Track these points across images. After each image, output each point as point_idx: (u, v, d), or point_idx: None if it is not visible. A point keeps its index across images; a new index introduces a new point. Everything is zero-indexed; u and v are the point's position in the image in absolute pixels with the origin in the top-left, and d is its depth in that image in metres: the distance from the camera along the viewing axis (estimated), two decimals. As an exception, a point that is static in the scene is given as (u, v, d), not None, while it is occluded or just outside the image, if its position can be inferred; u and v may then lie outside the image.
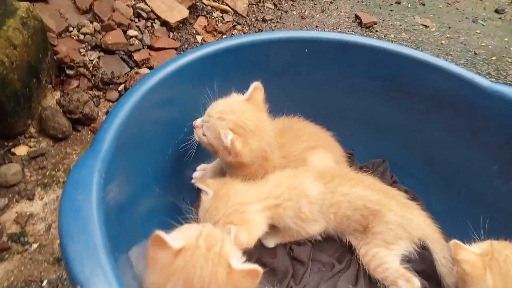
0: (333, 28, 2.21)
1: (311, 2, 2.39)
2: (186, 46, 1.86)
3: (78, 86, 1.50)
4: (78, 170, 0.66)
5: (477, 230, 0.85)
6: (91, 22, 1.71)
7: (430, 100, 1.13)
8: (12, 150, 1.27)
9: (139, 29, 1.80)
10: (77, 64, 1.53)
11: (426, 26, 2.38)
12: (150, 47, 1.76)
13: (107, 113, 1.48)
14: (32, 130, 1.34)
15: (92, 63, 1.59)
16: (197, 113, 0.94)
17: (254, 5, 2.23)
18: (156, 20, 1.87)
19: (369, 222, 0.92)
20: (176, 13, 1.92)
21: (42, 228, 1.12)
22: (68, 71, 1.51)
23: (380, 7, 2.47)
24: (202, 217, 0.84)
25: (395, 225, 0.91)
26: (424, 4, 2.58)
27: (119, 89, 1.57)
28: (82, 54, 1.59)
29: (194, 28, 1.96)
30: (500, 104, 1.01)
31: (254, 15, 2.17)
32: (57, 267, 1.05)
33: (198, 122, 0.92)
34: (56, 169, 1.27)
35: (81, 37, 1.64)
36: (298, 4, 2.35)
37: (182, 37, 1.89)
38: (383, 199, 0.92)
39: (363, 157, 1.27)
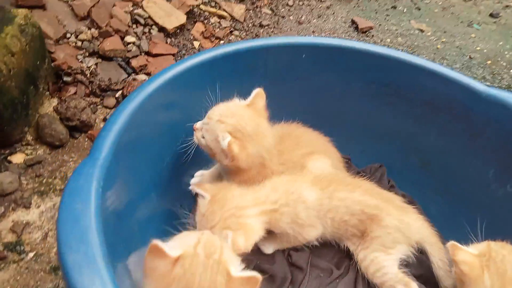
0: (329, 33, 2.22)
1: (308, 7, 2.40)
2: (183, 52, 1.87)
3: (75, 93, 1.50)
4: (76, 178, 0.66)
5: (474, 234, 0.86)
6: (89, 28, 1.72)
7: (426, 104, 1.14)
8: (9, 158, 1.27)
9: (137, 35, 1.80)
10: (75, 71, 1.53)
11: (421, 31, 2.40)
12: (148, 53, 1.76)
13: (104, 120, 1.48)
14: (29, 137, 1.33)
15: (89, 69, 1.59)
16: (195, 120, 0.95)
17: (251, 11, 2.24)
18: (153, 26, 1.88)
19: (367, 227, 0.93)
20: (174, 19, 1.93)
21: (38, 236, 1.12)
22: (65, 78, 1.51)
23: (376, 12, 2.49)
24: (199, 222, 0.84)
25: (393, 229, 0.91)
26: (419, 9, 2.60)
27: (117, 95, 1.57)
28: (79, 60, 1.59)
29: (192, 34, 1.96)
30: (496, 108, 1.02)
31: (251, 21, 2.18)
32: (54, 276, 1.04)
33: (198, 124, 0.92)
34: (53, 177, 1.26)
35: (79, 43, 1.65)
36: (294, 9, 2.36)
37: (180, 43, 1.90)
38: (380, 204, 0.92)
39: (361, 162, 1.28)
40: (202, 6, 2.10)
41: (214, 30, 2.04)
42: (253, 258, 0.94)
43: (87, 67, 1.60)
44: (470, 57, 2.23)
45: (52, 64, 1.50)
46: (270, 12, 2.28)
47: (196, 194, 0.87)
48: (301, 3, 2.42)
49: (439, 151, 1.16)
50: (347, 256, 0.99)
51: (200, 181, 1.07)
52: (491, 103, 1.02)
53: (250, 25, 2.15)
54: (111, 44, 1.68)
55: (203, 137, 0.90)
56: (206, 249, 0.68)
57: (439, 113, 1.12)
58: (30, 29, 1.35)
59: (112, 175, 0.72)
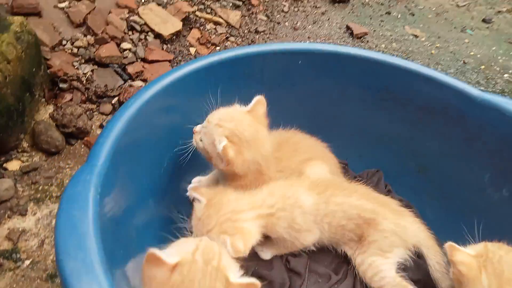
0: (325, 39, 2.24)
1: (303, 13, 2.42)
2: (179, 58, 1.87)
3: (71, 100, 1.50)
4: (74, 185, 0.66)
5: (471, 238, 0.86)
6: (85, 35, 1.72)
7: (422, 109, 1.15)
8: (4, 165, 1.26)
9: (133, 42, 1.80)
10: (71, 78, 1.53)
11: (416, 36, 2.42)
12: (144, 60, 1.77)
13: (100, 126, 1.48)
14: (25, 144, 1.33)
15: (85, 76, 1.59)
16: (192, 126, 0.95)
17: (246, 17, 2.25)
18: (149, 33, 1.89)
19: (364, 231, 0.93)
20: (170, 25, 1.93)
21: (34, 244, 1.11)
22: (61, 85, 1.50)
23: (370, 18, 2.52)
24: (195, 226, 0.84)
25: (390, 233, 0.92)
26: (413, 15, 2.63)
27: (113, 102, 1.57)
28: (75, 67, 1.59)
29: (188, 40, 1.97)
30: (490, 113, 1.03)
31: (247, 27, 2.19)
32: (50, 284, 1.04)
33: (198, 127, 0.93)
34: (49, 184, 1.26)
35: (75, 50, 1.65)
36: (290, 15, 2.38)
37: (176, 49, 1.91)
38: (377, 208, 0.93)
39: (358, 167, 1.28)
40: (198, 13, 2.11)
41: (210, 37, 2.04)
42: (251, 264, 0.94)
43: (83, 73, 1.59)
44: (464, 62, 2.25)
45: (48, 71, 1.50)
46: (265, 18, 2.30)
47: (194, 200, 0.87)
48: (296, 9, 2.44)
49: (435, 156, 1.16)
50: (345, 261, 0.99)
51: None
52: (485, 108, 1.04)
53: (246, 31, 2.17)
54: (107, 50, 1.68)
55: (201, 140, 0.91)
56: (204, 256, 0.68)
57: (435, 117, 1.13)
58: (26, 36, 1.35)
59: (110, 182, 0.71)
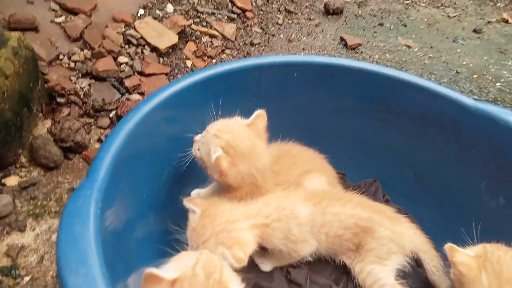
0: (319, 51, 2.27)
1: (297, 25, 2.46)
2: (176, 71, 1.89)
3: (69, 114, 1.50)
4: (75, 200, 0.66)
5: (470, 244, 0.87)
6: (82, 49, 1.73)
7: (417, 119, 1.17)
8: (3, 180, 1.26)
9: (130, 56, 1.82)
10: (68, 92, 1.54)
11: (409, 47, 2.46)
12: (141, 73, 1.78)
13: (98, 140, 1.48)
14: (23, 159, 1.33)
15: (83, 90, 1.60)
16: (190, 140, 0.96)
17: (242, 30, 2.28)
18: (146, 46, 1.90)
19: (361, 240, 0.93)
20: (166, 39, 1.95)
21: (34, 260, 1.10)
22: (59, 99, 1.51)
23: (364, 29, 2.56)
24: (189, 237, 0.84)
25: (387, 240, 0.92)
26: (406, 25, 2.68)
27: (111, 115, 1.57)
28: (73, 81, 1.60)
29: (184, 53, 1.99)
30: (484, 122, 1.05)
31: (242, 39, 2.22)
32: (50, 300, 1.03)
33: (197, 137, 0.94)
34: (48, 199, 1.25)
35: (72, 64, 1.66)
36: (284, 27, 2.41)
37: (172, 62, 1.92)
38: (373, 216, 0.94)
39: (355, 177, 1.29)
40: (193, 26, 2.13)
41: (206, 49, 2.07)
42: (252, 276, 0.94)
43: (80, 88, 1.60)
44: (457, 72, 2.29)
45: (45, 86, 1.51)
46: (260, 30, 2.33)
47: (189, 211, 0.87)
48: (290, 21, 2.48)
49: (431, 165, 1.18)
50: (345, 271, 0.99)
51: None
52: (479, 117, 1.05)
53: (241, 43, 2.19)
54: (104, 64, 1.69)
55: (199, 149, 0.92)
56: (205, 269, 0.68)
57: (430, 127, 1.15)
58: (23, 51, 1.36)
59: (110, 196, 0.72)
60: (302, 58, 1.24)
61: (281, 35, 2.35)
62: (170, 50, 1.95)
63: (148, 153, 0.95)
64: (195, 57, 2.02)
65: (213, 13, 2.27)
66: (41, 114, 1.46)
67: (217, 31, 2.18)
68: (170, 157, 1.02)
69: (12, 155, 1.29)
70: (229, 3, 2.36)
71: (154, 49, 1.91)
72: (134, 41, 1.87)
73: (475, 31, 2.73)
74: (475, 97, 2.10)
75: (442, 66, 2.32)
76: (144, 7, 2.10)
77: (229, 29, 2.22)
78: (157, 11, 2.10)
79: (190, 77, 1.06)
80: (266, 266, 0.97)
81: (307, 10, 2.61)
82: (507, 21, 2.89)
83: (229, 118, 0.94)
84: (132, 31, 1.90)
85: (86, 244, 0.59)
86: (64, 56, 1.67)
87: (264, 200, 0.90)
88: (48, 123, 1.45)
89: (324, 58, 1.27)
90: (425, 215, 1.17)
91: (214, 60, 2.04)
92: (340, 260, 0.98)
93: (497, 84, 2.24)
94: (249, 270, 0.92)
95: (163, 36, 1.95)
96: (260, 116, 0.94)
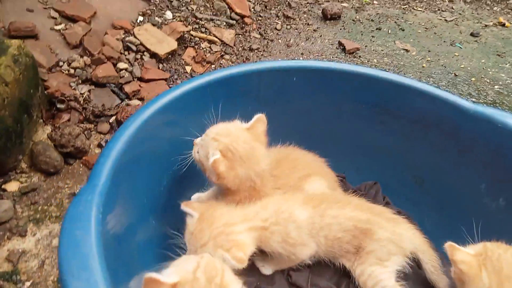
0: (317, 55, 2.28)
1: (296, 30, 2.47)
2: (175, 76, 1.89)
3: (69, 120, 1.51)
4: (76, 205, 0.66)
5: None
6: (81, 56, 1.74)
7: (416, 122, 1.17)
8: (3, 186, 1.26)
9: (129, 62, 1.83)
10: (68, 98, 1.55)
11: (407, 51, 2.48)
12: (140, 79, 1.79)
13: (98, 145, 1.49)
14: (23, 165, 1.33)
15: (82, 96, 1.60)
16: (190, 143, 0.96)
17: (240, 35, 2.29)
18: (145, 53, 1.91)
19: (360, 242, 0.93)
20: (165, 45, 1.97)
21: (35, 265, 1.10)
22: (59, 105, 1.51)
23: (362, 34, 2.57)
24: (188, 241, 0.84)
25: (387, 241, 0.92)
26: (403, 30, 2.69)
27: (110, 121, 1.58)
28: (72, 88, 1.61)
29: (183, 59, 2.00)
30: (483, 124, 1.05)
31: (241, 45, 2.23)
32: (51, 306, 1.02)
33: (197, 140, 0.94)
34: (48, 204, 1.25)
35: (72, 71, 1.66)
36: (283, 33, 2.43)
37: (172, 68, 1.93)
38: (372, 218, 0.94)
39: (355, 180, 1.29)
40: (192, 32, 2.15)
41: (205, 55, 2.08)
42: (253, 280, 0.94)
43: (80, 94, 1.61)
44: (455, 75, 2.30)
45: (45, 92, 1.51)
46: (259, 36, 2.34)
47: (186, 215, 0.87)
48: (288, 26, 2.49)
49: (431, 168, 1.18)
50: (346, 274, 0.99)
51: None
52: (478, 120, 1.06)
53: (240, 49, 2.20)
54: (104, 71, 1.70)
55: (198, 152, 0.92)
56: (206, 273, 0.68)
57: (429, 130, 1.15)
58: (24, 58, 1.36)
59: (111, 201, 0.72)
60: (301, 63, 1.25)
61: (280, 40, 2.36)
62: (170, 56, 1.96)
63: (148, 157, 0.95)
64: (194, 63, 2.03)
65: (211, 19, 2.28)
66: (41, 120, 1.47)
67: (216, 37, 2.20)
68: (170, 161, 1.02)
69: (12, 161, 1.29)
70: (228, 9, 2.38)
71: (153, 55, 1.92)
72: (134, 48, 1.89)
73: (472, 34, 2.75)
74: (474, 99, 2.11)
75: (440, 70, 2.33)
76: (143, 14, 2.11)
77: (228, 34, 2.23)
78: (156, 18, 2.12)
79: (190, 82, 1.06)
80: (267, 269, 0.96)
81: (305, 15, 2.62)
82: (503, 25, 2.91)
83: (229, 122, 0.95)
84: (131, 38, 1.91)
85: (87, 248, 0.60)
86: (64, 63, 1.68)
87: (262, 203, 0.90)
88: (48, 129, 1.46)
89: (322, 63, 1.28)
90: (425, 217, 1.17)
91: (213, 66, 2.05)
92: (340, 263, 0.98)
93: (495, 86, 2.25)
94: (250, 273, 0.92)
95: (162, 42, 1.97)
96: (259, 120, 0.94)
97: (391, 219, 0.96)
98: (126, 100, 1.68)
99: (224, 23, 2.31)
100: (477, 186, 1.08)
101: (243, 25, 2.36)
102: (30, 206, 1.23)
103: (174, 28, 2.06)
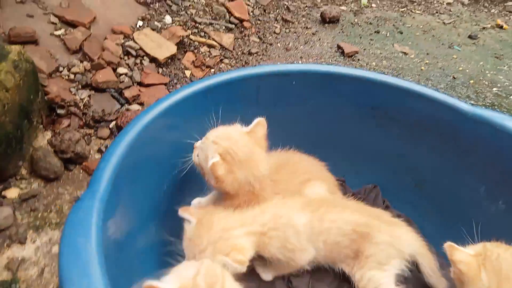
0: (316, 59, 2.29)
1: (294, 34, 2.48)
2: (175, 81, 1.90)
3: (69, 125, 1.51)
4: (76, 212, 0.66)
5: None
6: (81, 61, 1.74)
7: (415, 125, 1.17)
8: (3, 193, 1.26)
9: (129, 67, 1.83)
10: (68, 103, 1.55)
11: (405, 53, 2.48)
12: (140, 84, 1.79)
13: (99, 151, 1.49)
14: (23, 171, 1.33)
15: (82, 101, 1.61)
16: (190, 147, 0.96)
17: (239, 39, 2.30)
18: (145, 57, 1.92)
19: (359, 246, 0.93)
20: (165, 49, 1.97)
21: (34, 273, 1.09)
22: (59, 111, 1.52)
23: (360, 37, 2.58)
24: (186, 247, 0.84)
25: (386, 245, 0.92)
26: (402, 33, 2.70)
27: (110, 126, 1.58)
28: (72, 93, 1.61)
29: (183, 63, 2.01)
30: (482, 127, 1.06)
31: (240, 49, 2.23)
32: (51, 313, 1.02)
33: (198, 143, 0.95)
34: (48, 210, 1.25)
35: (72, 76, 1.67)
36: (282, 36, 2.44)
37: (171, 73, 1.94)
38: (370, 221, 0.94)
39: (355, 184, 1.29)
40: (191, 36, 2.15)
41: (205, 59, 2.08)
42: (254, 286, 0.94)
43: (80, 99, 1.61)
44: (453, 77, 2.30)
45: (46, 98, 1.51)
46: (258, 40, 2.35)
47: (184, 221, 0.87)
48: (287, 30, 2.50)
49: (431, 171, 1.18)
50: (346, 279, 0.99)
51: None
52: (477, 122, 1.06)
53: (239, 53, 2.21)
54: (104, 76, 1.70)
55: (198, 156, 0.92)
56: (207, 279, 0.67)
57: (428, 133, 1.15)
58: (24, 64, 1.37)
59: (112, 207, 0.72)
60: (300, 67, 1.26)
61: (279, 44, 2.37)
62: (169, 60, 1.97)
63: (148, 163, 0.96)
64: (193, 67, 2.03)
65: (211, 24, 2.29)
66: (41, 126, 1.47)
67: (215, 41, 2.20)
68: (171, 166, 1.02)
69: (12, 167, 1.29)
70: (227, 13, 2.39)
71: (153, 59, 1.92)
72: (133, 52, 1.89)
73: (470, 37, 2.76)
74: (472, 102, 2.11)
75: (438, 72, 2.34)
76: (143, 19, 2.12)
77: (227, 39, 2.24)
78: (156, 23, 2.12)
79: (190, 87, 1.07)
80: (267, 275, 0.96)
81: (303, 19, 2.63)
82: (501, 27, 2.92)
83: (229, 125, 0.95)
84: (131, 43, 1.92)
85: (88, 255, 0.60)
86: (64, 68, 1.68)
87: (261, 207, 0.90)
88: (48, 134, 1.46)
89: (321, 66, 1.28)
90: (425, 220, 1.17)
91: (212, 70, 2.05)
92: (339, 268, 0.98)
93: (494, 89, 2.26)
94: (251, 279, 0.92)
95: (162, 47, 1.97)
96: (260, 124, 0.95)
97: (389, 222, 0.96)
98: (126, 105, 1.68)
99: (223, 27, 2.31)
100: (476, 189, 1.08)
101: (242, 29, 2.37)
102: (30, 212, 1.23)
103: (174, 32, 2.06)
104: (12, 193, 1.26)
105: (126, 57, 1.87)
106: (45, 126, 1.48)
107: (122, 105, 1.67)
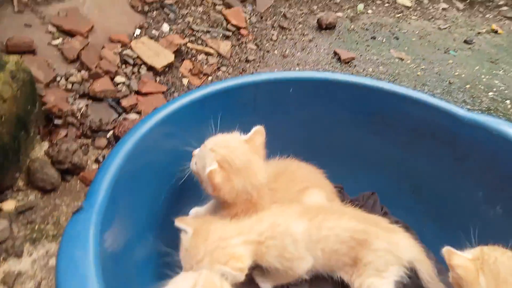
0: (313, 65, 2.30)
1: (291, 41, 2.49)
2: (173, 89, 1.90)
3: (66, 136, 1.51)
4: (73, 224, 0.66)
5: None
6: (79, 71, 1.75)
7: (412, 131, 1.18)
8: (-1, 205, 1.25)
9: (126, 75, 1.84)
10: (65, 113, 1.55)
11: (401, 59, 2.50)
12: (138, 92, 1.79)
13: (96, 161, 1.48)
14: (20, 183, 1.32)
15: (80, 111, 1.61)
16: (189, 156, 0.96)
17: (236, 47, 2.31)
18: (142, 66, 1.92)
19: (358, 253, 0.93)
20: (162, 58, 1.98)
21: (31, 286, 1.08)
22: (56, 121, 1.51)
23: (357, 43, 2.59)
24: (182, 258, 0.83)
25: (384, 251, 0.92)
26: (398, 38, 2.72)
27: (108, 136, 1.58)
28: (70, 103, 1.61)
29: (180, 72, 2.01)
30: (478, 132, 1.06)
31: (237, 56, 2.24)
32: (48, 327, 1.01)
33: (196, 151, 0.94)
34: (45, 222, 1.24)
35: (69, 86, 1.67)
36: (278, 43, 2.45)
37: (169, 81, 1.94)
38: (368, 228, 0.93)
39: (353, 191, 1.29)
40: (189, 44, 2.16)
41: (202, 67, 2.09)
42: (253, 296, 0.93)
43: (77, 109, 1.61)
44: (449, 82, 2.32)
45: (43, 108, 1.51)
46: (255, 47, 2.36)
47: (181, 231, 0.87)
48: (284, 37, 2.51)
49: (428, 176, 1.18)
50: (346, 287, 0.99)
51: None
52: (473, 128, 1.06)
53: (236, 60, 2.22)
54: (101, 85, 1.70)
55: (196, 164, 0.92)
56: (205, 291, 0.67)
57: (425, 139, 1.16)
58: (21, 74, 1.37)
59: (109, 219, 0.72)
60: (297, 74, 1.26)
61: (276, 51, 2.38)
62: (167, 68, 1.97)
63: (146, 172, 0.95)
64: (191, 75, 2.04)
65: (208, 31, 2.30)
66: (38, 137, 1.47)
67: (213, 48, 2.21)
68: (169, 175, 1.02)
69: (9, 179, 1.29)
70: (224, 21, 2.40)
71: (150, 68, 1.93)
72: (131, 61, 1.90)
73: (466, 42, 2.77)
74: (469, 107, 2.12)
75: (435, 77, 2.35)
76: (140, 27, 2.13)
77: (224, 46, 2.25)
78: (153, 31, 2.13)
79: (187, 96, 1.07)
80: (266, 285, 0.96)
81: (300, 26, 2.65)
82: (496, 32, 2.95)
83: (228, 133, 0.95)
84: (128, 51, 1.93)
85: (85, 269, 0.59)
86: (61, 78, 1.69)
87: (258, 216, 0.89)
88: (45, 145, 1.45)
89: (318, 73, 1.29)
90: (423, 226, 1.17)
91: (210, 78, 2.06)
92: (338, 277, 0.98)
93: (490, 93, 2.27)
94: (250, 289, 0.92)
95: (159, 55, 1.98)
96: (258, 132, 0.95)
97: (387, 229, 0.96)
98: (123, 114, 1.68)
99: (221, 35, 2.33)
100: (474, 194, 1.08)
101: (239, 37, 2.38)
102: (26, 225, 1.22)
103: (171, 40, 2.07)
104: (8, 205, 1.25)
105: (123, 66, 1.88)
106: (42, 137, 1.48)
107: (119, 114, 1.67)
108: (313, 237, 0.90)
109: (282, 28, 2.58)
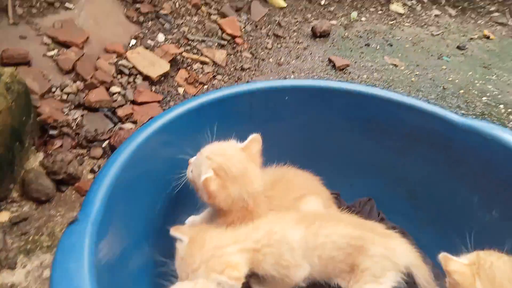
0: (308, 73, 2.31)
1: (286, 49, 2.51)
2: (168, 98, 1.90)
3: (61, 146, 1.50)
4: (68, 236, 0.66)
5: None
6: (74, 81, 1.75)
7: (407, 137, 1.18)
8: (-7, 217, 1.24)
9: (122, 85, 1.84)
10: (60, 124, 1.54)
11: (395, 65, 2.52)
12: (133, 102, 1.79)
13: (91, 171, 1.48)
14: (14, 194, 1.31)
15: (75, 121, 1.60)
16: (185, 164, 0.96)
17: (232, 55, 2.32)
18: (138, 75, 1.93)
19: (354, 259, 0.93)
20: (158, 67, 1.98)
21: (24, 299, 1.07)
22: (51, 132, 1.51)
23: (351, 50, 2.61)
24: (178, 266, 0.83)
25: (381, 257, 0.92)
26: (391, 45, 2.74)
27: (103, 145, 1.57)
28: (65, 113, 1.61)
29: (176, 81, 2.02)
30: (473, 137, 1.07)
31: (232, 65, 2.25)
32: None
33: (192, 159, 0.94)
34: (40, 234, 1.23)
35: (64, 97, 1.67)
36: (273, 51, 2.46)
37: (164, 90, 1.94)
38: (364, 234, 0.93)
39: (349, 196, 1.29)
40: (184, 54, 2.17)
41: (198, 76, 2.10)
42: (250, 305, 0.93)
43: (72, 119, 1.61)
44: (443, 88, 2.34)
45: (38, 119, 1.51)
46: (250, 55, 2.37)
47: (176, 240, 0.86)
48: (279, 45, 2.53)
49: (424, 182, 1.19)
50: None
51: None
52: (467, 133, 1.07)
53: (232, 69, 2.23)
54: (97, 95, 1.70)
55: (192, 171, 0.92)
56: (202, 300, 0.67)
57: (420, 145, 1.16)
58: (16, 86, 1.36)
59: (105, 230, 0.71)
60: (292, 82, 1.27)
61: (271, 59, 2.39)
62: (162, 78, 1.98)
63: (142, 182, 0.95)
64: (187, 84, 2.04)
65: (203, 41, 2.31)
66: (33, 147, 1.46)
67: (208, 57, 2.22)
68: (165, 184, 1.02)
69: (3, 191, 1.28)
70: (219, 30, 2.42)
71: (146, 77, 1.93)
72: (126, 71, 1.90)
73: (458, 47, 2.80)
74: (463, 112, 2.14)
75: (429, 83, 2.37)
76: (136, 37, 2.14)
77: (220, 55, 2.26)
78: (149, 41, 2.14)
79: (183, 105, 1.07)
80: (264, 293, 0.95)
81: (295, 34, 2.67)
82: (488, 37, 2.98)
83: (224, 141, 0.95)
84: (124, 61, 1.93)
85: (80, 280, 0.59)
86: (56, 89, 1.68)
87: (254, 224, 0.89)
88: (40, 156, 1.44)
89: (313, 81, 1.30)
90: (420, 231, 1.17)
91: (205, 86, 2.07)
92: (335, 284, 0.97)
93: (483, 98, 2.29)
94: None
95: (155, 65, 1.98)
96: (254, 140, 0.95)
97: (383, 235, 0.96)
98: (119, 124, 1.68)
99: (216, 44, 2.34)
100: (470, 199, 1.09)
101: (234, 45, 2.40)
102: (20, 236, 1.21)
103: (166, 50, 2.08)
104: (2, 216, 1.24)
105: (119, 76, 1.88)
106: (37, 148, 1.47)
107: (115, 124, 1.67)
108: (310, 244, 0.89)
109: (277, 36, 2.60)
